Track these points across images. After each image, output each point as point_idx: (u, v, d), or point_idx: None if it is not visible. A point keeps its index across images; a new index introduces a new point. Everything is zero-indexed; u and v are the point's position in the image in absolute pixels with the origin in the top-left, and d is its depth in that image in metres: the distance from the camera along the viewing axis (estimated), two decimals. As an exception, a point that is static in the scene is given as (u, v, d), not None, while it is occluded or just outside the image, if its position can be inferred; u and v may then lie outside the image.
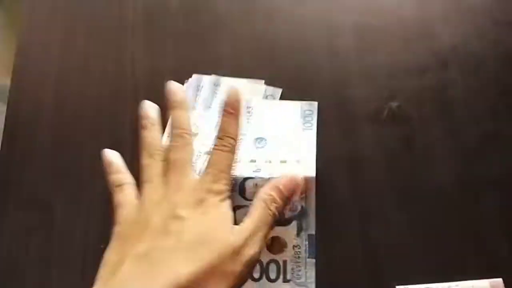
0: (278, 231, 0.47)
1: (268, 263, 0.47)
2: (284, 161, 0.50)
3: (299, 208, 0.48)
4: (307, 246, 0.47)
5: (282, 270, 0.47)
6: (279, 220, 0.47)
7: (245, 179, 0.47)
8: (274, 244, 0.47)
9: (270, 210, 0.41)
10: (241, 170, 0.48)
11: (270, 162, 0.49)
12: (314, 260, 0.47)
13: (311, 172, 0.47)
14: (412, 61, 0.55)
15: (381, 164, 0.50)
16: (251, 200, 0.48)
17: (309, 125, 0.53)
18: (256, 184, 0.48)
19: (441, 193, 0.49)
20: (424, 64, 0.54)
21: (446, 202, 0.48)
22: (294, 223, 0.48)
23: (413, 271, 0.46)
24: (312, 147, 0.51)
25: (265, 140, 0.52)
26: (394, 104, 0.53)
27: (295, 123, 0.53)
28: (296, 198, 0.47)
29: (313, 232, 0.48)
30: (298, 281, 0.46)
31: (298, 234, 0.47)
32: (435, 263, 0.46)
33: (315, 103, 0.55)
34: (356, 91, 0.54)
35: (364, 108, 0.53)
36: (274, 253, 0.47)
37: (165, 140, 0.50)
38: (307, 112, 0.54)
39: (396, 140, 0.51)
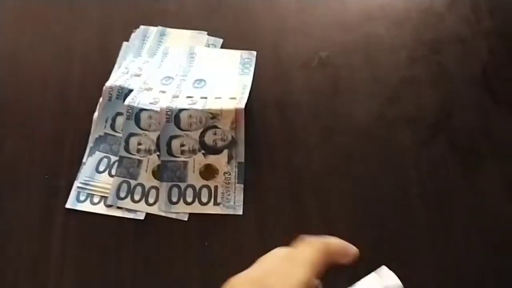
0: (211, 159, 0.52)
1: (200, 188, 0.51)
2: (219, 97, 0.54)
3: (229, 138, 0.52)
4: (236, 172, 0.51)
5: (213, 194, 0.51)
6: (212, 149, 0.52)
7: (180, 110, 0.51)
8: (206, 171, 0.51)
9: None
10: (177, 103, 0.52)
11: (206, 98, 0.54)
12: (242, 185, 0.51)
13: (241, 104, 0.51)
14: (344, 18, 0.60)
15: (308, 105, 0.55)
16: (185, 130, 0.52)
17: (247, 71, 0.57)
18: (190, 115, 0.52)
19: (361, 129, 0.53)
20: (354, 20, 0.60)
21: (366, 137, 0.53)
22: (225, 152, 0.52)
23: (333, 195, 0.50)
24: (247, 87, 0.55)
25: (204, 81, 0.56)
26: (323, 54, 0.58)
27: (234, 68, 0.58)
28: (227, 128, 0.51)
29: (242, 160, 0.52)
30: (227, 204, 0.50)
31: (228, 162, 0.52)
32: (351, 186, 0.50)
33: (254, 52, 0.59)
34: (291, 42, 0.59)
35: (296, 57, 0.58)
36: (206, 179, 0.51)
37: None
38: (246, 59, 0.58)
39: (323, 85, 0.56)
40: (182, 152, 0.52)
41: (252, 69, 0.58)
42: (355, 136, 0.53)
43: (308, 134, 0.54)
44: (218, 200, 0.50)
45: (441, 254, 0.47)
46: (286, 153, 0.53)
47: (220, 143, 0.52)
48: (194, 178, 0.51)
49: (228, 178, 0.51)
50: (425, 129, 0.53)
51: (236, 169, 0.51)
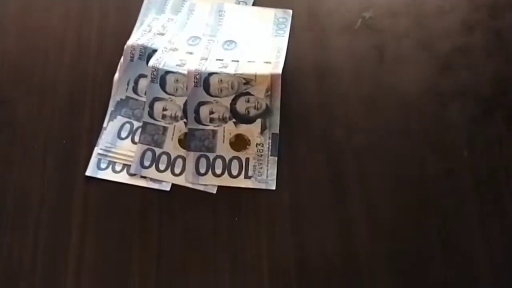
0: (242, 129, 0.48)
1: (230, 160, 0.47)
2: (253, 61, 0.49)
3: (264, 106, 0.48)
4: (270, 144, 0.47)
5: (244, 166, 0.47)
6: (244, 117, 0.47)
7: (210, 74, 0.47)
8: (237, 142, 0.48)
9: None
10: (206, 66, 0.48)
11: (237, 61, 0.49)
12: (276, 158, 0.47)
13: (278, 69, 0.47)
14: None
15: (350, 73, 0.50)
16: (215, 96, 0.48)
17: (282, 32, 0.52)
18: (221, 80, 0.48)
19: (408, 102, 0.48)
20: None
21: (412, 111, 0.48)
22: (258, 121, 0.48)
23: (375, 175, 0.46)
24: (282, 51, 0.50)
25: (235, 43, 0.51)
26: (367, 15, 0.52)
27: (268, 29, 0.52)
28: (261, 95, 0.47)
29: (277, 131, 0.48)
30: (259, 177, 0.47)
31: (261, 132, 0.47)
32: (394, 166, 0.46)
33: (290, 11, 0.54)
34: (331, 1, 0.53)
35: (337, 18, 0.52)
36: (237, 150, 0.48)
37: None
38: (281, 19, 0.53)
39: (367, 51, 0.51)
40: (211, 120, 0.48)
41: (287, 30, 0.52)
42: (401, 110, 0.48)
43: (348, 106, 0.49)
44: (250, 173, 0.47)
45: (494, 243, 0.43)
46: (324, 126, 0.48)
47: (253, 112, 0.47)
48: (224, 149, 0.47)
49: (261, 150, 0.47)
50: (479, 105, 0.48)
51: (270, 141, 0.47)
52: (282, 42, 0.51)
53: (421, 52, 0.50)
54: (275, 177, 0.46)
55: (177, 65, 0.48)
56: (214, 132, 0.48)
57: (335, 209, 0.45)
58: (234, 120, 0.47)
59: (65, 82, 0.53)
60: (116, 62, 0.51)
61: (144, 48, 0.49)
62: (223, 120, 0.48)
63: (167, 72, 0.48)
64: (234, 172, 0.47)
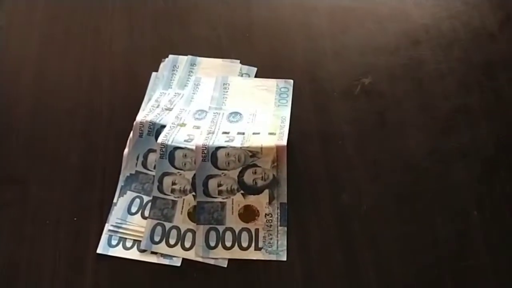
0: (251, 200, 0.48)
1: (240, 232, 0.47)
2: (257, 133, 0.50)
3: (271, 177, 0.48)
4: (279, 214, 0.47)
5: (254, 238, 0.47)
6: (251, 189, 0.48)
7: (217, 148, 0.48)
8: (246, 213, 0.48)
9: None
10: (213, 140, 0.49)
11: (243, 133, 0.50)
12: (285, 228, 0.47)
13: (283, 141, 0.48)
14: (384, 40, 0.56)
15: (353, 138, 0.51)
16: (223, 169, 0.49)
17: (284, 101, 0.54)
18: (228, 154, 0.49)
19: (412, 165, 0.49)
20: (395, 43, 0.56)
21: (417, 174, 0.49)
22: (266, 192, 0.48)
23: (386, 239, 0.46)
24: (286, 121, 0.51)
25: (240, 114, 0.53)
26: (366, 80, 0.54)
27: (271, 99, 0.54)
28: (267, 166, 0.48)
29: (285, 201, 0.48)
30: (269, 249, 0.46)
31: (270, 203, 0.48)
32: (406, 232, 0.46)
33: (291, 81, 0.56)
34: (329, 69, 0.55)
35: (337, 85, 0.54)
36: (246, 222, 0.48)
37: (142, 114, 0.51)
38: (283, 89, 0.55)
39: (368, 115, 0.52)
40: (220, 193, 0.48)
41: (289, 99, 0.54)
42: (406, 173, 0.49)
43: (353, 170, 0.50)
44: (260, 245, 0.47)
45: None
46: (331, 192, 0.49)
47: (260, 183, 0.48)
48: (233, 221, 0.48)
49: (270, 221, 0.47)
50: (483, 164, 0.48)
51: (279, 211, 0.47)
52: (285, 112, 0.52)
53: (422, 114, 0.51)
54: (285, 247, 0.46)
55: (185, 140, 0.49)
56: (223, 204, 0.48)
57: (347, 277, 0.45)
58: (242, 191, 0.48)
59: (75, 155, 0.54)
60: (126, 135, 0.53)
61: (153, 124, 0.51)
62: (231, 192, 0.48)
63: (176, 148, 0.49)
64: (244, 244, 0.47)
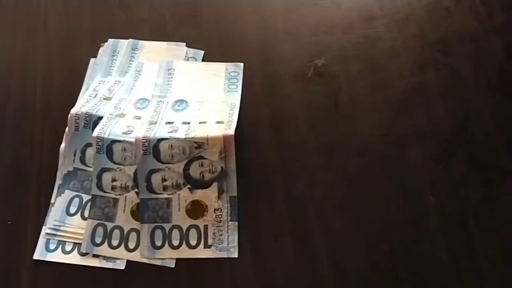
0: (198, 194, 0.45)
1: (188, 229, 0.44)
2: (204, 122, 0.47)
3: (219, 169, 0.45)
4: (228, 208, 0.44)
5: (203, 235, 0.44)
6: (199, 183, 0.45)
7: (159, 140, 0.44)
8: (194, 209, 0.45)
9: None
10: (155, 131, 0.45)
11: (188, 123, 0.46)
12: (236, 223, 0.44)
13: (231, 130, 0.45)
14: (338, 17, 0.53)
15: (306, 122, 0.48)
16: (166, 163, 0.45)
17: (234, 87, 0.50)
18: (171, 146, 0.45)
19: (367, 149, 0.47)
20: (349, 20, 0.53)
21: (372, 158, 0.46)
22: (214, 185, 0.45)
23: (341, 228, 0.44)
24: (236, 108, 0.48)
25: (186, 102, 0.49)
26: (319, 62, 0.51)
27: (219, 85, 0.50)
28: (215, 158, 0.45)
29: (235, 194, 0.45)
30: (220, 246, 0.43)
31: (219, 197, 0.45)
32: (359, 217, 0.44)
33: (241, 64, 0.52)
34: (282, 50, 0.52)
35: (289, 67, 0.51)
36: (194, 218, 0.45)
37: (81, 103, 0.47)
38: (233, 73, 0.51)
39: (321, 98, 0.49)
40: (165, 188, 0.45)
41: (239, 84, 0.50)
42: (361, 157, 0.46)
43: (307, 156, 0.47)
44: (209, 242, 0.44)
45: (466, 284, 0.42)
46: (284, 181, 0.46)
47: (208, 176, 0.45)
48: (180, 218, 0.44)
49: (219, 216, 0.44)
50: (439, 145, 0.46)
51: (228, 205, 0.44)
52: (235, 98, 0.49)
53: (376, 95, 0.49)
54: (236, 243, 0.43)
55: (123, 132, 0.45)
56: (169, 201, 0.44)
57: (302, 271, 0.42)
58: (188, 186, 0.45)
59: (7, 151, 0.49)
60: (62, 130, 0.48)
61: (89, 116, 0.46)
62: (177, 187, 0.45)
63: (113, 141, 0.45)
64: (193, 242, 0.44)
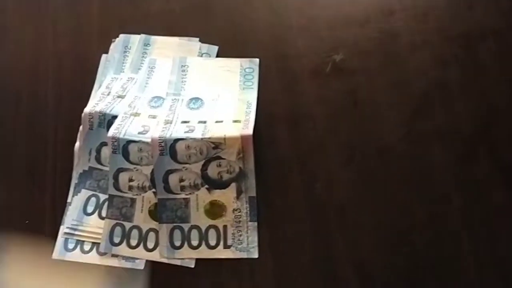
0: (217, 195, 0.44)
1: (207, 230, 0.44)
2: (220, 121, 0.46)
3: (237, 169, 0.44)
4: (248, 209, 0.44)
5: (222, 235, 0.44)
6: (217, 183, 0.44)
7: (176, 140, 0.44)
8: (212, 209, 0.44)
9: None
10: (171, 131, 0.44)
11: (205, 122, 0.46)
12: (256, 224, 0.44)
13: (249, 130, 0.44)
14: (354, 10, 0.51)
15: (324, 120, 0.47)
16: (184, 163, 0.44)
17: (250, 83, 0.49)
18: (188, 146, 0.44)
19: (387, 148, 0.46)
20: (367, 14, 0.51)
21: (392, 157, 0.45)
22: (232, 186, 0.44)
23: (361, 228, 0.43)
24: (252, 106, 0.47)
25: (201, 100, 0.48)
26: (337, 57, 0.50)
27: (235, 81, 0.49)
28: (233, 158, 0.44)
29: (254, 194, 0.44)
30: (239, 246, 0.43)
31: (237, 197, 0.44)
32: (383, 220, 0.44)
33: (256, 60, 0.51)
34: (297, 45, 0.50)
35: (306, 63, 0.49)
36: (213, 219, 0.44)
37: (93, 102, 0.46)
38: (248, 69, 0.50)
39: (339, 95, 0.48)
40: (182, 188, 0.44)
41: (255, 81, 0.49)
42: (381, 156, 0.45)
43: (325, 156, 0.46)
44: (229, 242, 0.43)
45: None
46: (303, 180, 0.45)
47: (226, 176, 0.44)
48: (198, 218, 0.44)
49: (239, 216, 0.44)
50: (461, 144, 0.45)
51: (247, 205, 0.44)
52: (252, 95, 0.48)
53: (396, 92, 0.48)
54: (256, 244, 0.43)
55: (139, 132, 0.44)
56: (187, 201, 0.44)
57: (322, 271, 0.42)
58: (207, 186, 0.44)
59: (22, 150, 0.49)
60: (76, 127, 0.48)
61: (103, 115, 0.46)
62: (195, 187, 0.44)
63: (129, 141, 0.44)
64: (212, 242, 0.44)
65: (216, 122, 0.45)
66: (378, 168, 0.45)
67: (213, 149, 0.44)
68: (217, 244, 0.44)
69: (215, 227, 0.44)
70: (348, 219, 0.44)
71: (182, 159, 0.44)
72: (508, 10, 0.50)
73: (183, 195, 0.44)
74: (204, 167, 0.44)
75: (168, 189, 0.44)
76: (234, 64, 0.50)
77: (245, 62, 0.50)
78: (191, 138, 0.43)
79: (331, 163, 0.46)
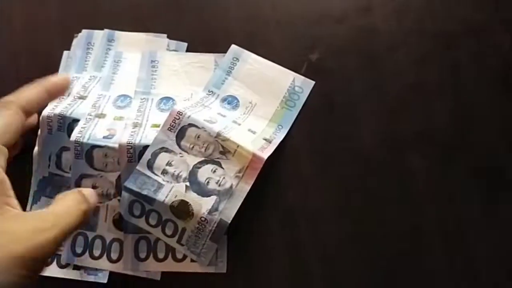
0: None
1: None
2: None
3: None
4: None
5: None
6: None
7: (146, 147, 0.41)
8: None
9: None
10: (140, 136, 0.41)
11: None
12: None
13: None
14: (331, 5, 0.49)
15: (298, 126, 0.45)
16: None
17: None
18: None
19: (363, 154, 0.44)
20: (343, 9, 0.48)
21: (369, 165, 0.44)
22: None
23: (333, 233, 0.42)
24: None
25: (173, 100, 0.45)
26: (313, 57, 0.47)
27: (208, 78, 0.45)
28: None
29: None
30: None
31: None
32: (357, 231, 0.42)
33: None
34: (271, 43, 0.48)
35: (281, 62, 0.47)
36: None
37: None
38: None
39: (315, 98, 0.46)
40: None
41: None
42: (358, 164, 0.44)
43: (299, 163, 0.44)
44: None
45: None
46: (275, 189, 0.44)
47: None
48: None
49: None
50: (439, 149, 0.44)
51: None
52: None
53: (374, 95, 0.46)
54: (225, 258, 0.41)
55: (104, 137, 0.41)
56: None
57: (295, 284, 0.41)
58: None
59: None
60: (35, 132, 0.44)
61: (62, 118, 0.42)
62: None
63: (94, 146, 0.41)
64: (179, 255, 0.41)
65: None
66: (354, 176, 0.44)
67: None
68: (184, 257, 0.41)
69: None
70: (322, 229, 0.43)
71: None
72: (491, 8, 0.48)
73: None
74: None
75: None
76: (207, 59, 0.46)
77: (218, 57, 0.46)
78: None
79: (304, 172, 0.44)
